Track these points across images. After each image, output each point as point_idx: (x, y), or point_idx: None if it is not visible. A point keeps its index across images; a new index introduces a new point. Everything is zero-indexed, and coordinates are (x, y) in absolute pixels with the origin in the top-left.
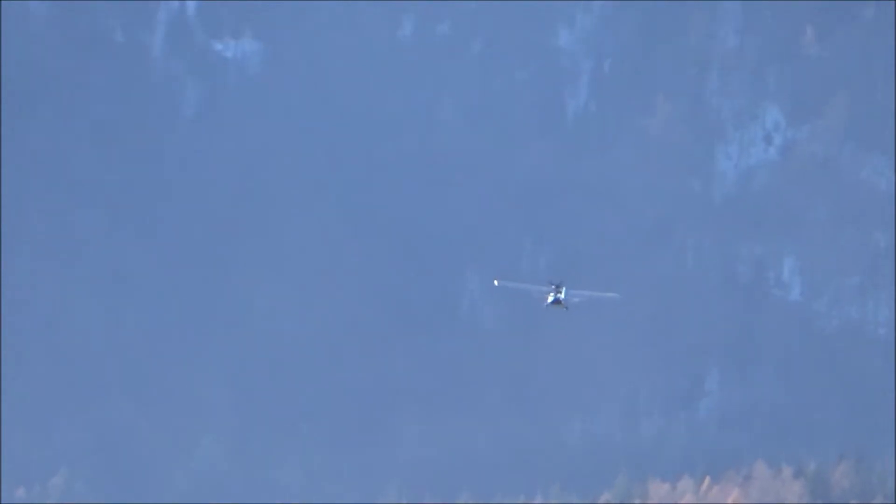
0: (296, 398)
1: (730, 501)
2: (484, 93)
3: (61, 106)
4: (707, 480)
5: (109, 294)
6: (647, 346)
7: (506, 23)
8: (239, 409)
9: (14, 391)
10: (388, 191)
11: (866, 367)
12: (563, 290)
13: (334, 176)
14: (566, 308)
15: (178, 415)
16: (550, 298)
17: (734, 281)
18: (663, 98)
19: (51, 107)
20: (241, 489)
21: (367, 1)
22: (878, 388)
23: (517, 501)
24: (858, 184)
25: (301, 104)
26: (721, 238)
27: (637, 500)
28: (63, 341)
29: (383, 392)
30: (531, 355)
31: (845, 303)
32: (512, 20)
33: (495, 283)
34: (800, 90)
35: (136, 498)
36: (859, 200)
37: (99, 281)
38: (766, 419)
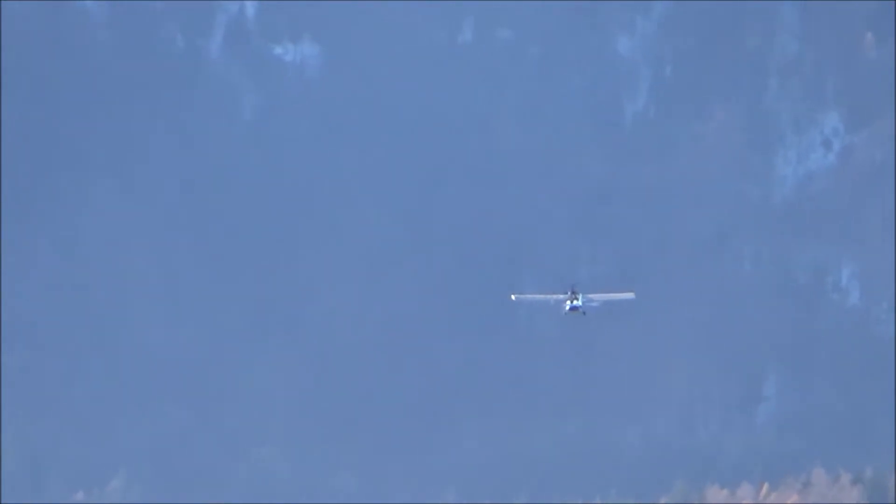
0: (354, 401)
1: None
2: (542, 97)
3: (119, 110)
4: (765, 487)
5: (168, 297)
6: (705, 351)
7: (565, 27)
8: (296, 412)
9: (72, 394)
10: (446, 195)
11: None
12: (580, 296)
13: (392, 180)
14: (584, 313)
15: (236, 419)
16: (568, 306)
17: (792, 286)
18: (722, 103)
19: (108, 110)
20: (298, 493)
21: (427, 2)
22: None
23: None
24: None
25: (359, 107)
26: (779, 243)
27: None
28: (121, 345)
29: (441, 395)
30: (589, 359)
31: None
32: (571, 25)
33: (512, 297)
34: (858, 95)
35: (193, 500)
36: None
37: (158, 285)
38: (824, 424)
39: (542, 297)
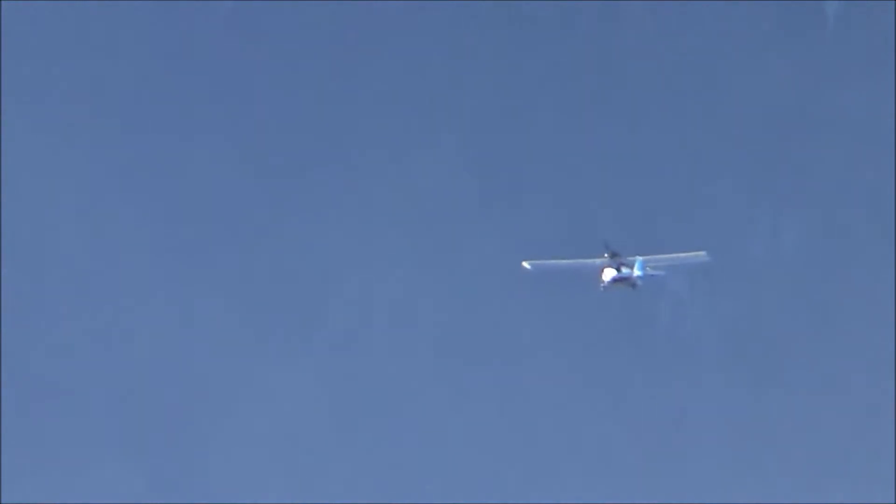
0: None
1: None
2: None
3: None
4: None
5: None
6: None
7: None
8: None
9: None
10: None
11: None
12: (637, 261)
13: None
14: (634, 286)
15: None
16: (608, 276)
17: None
18: None
19: (229, 109)
20: None
21: None
22: None
23: None
24: None
25: None
26: None
27: None
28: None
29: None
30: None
31: None
32: None
33: (525, 265)
34: None
35: None
36: None
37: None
38: None
39: (568, 262)
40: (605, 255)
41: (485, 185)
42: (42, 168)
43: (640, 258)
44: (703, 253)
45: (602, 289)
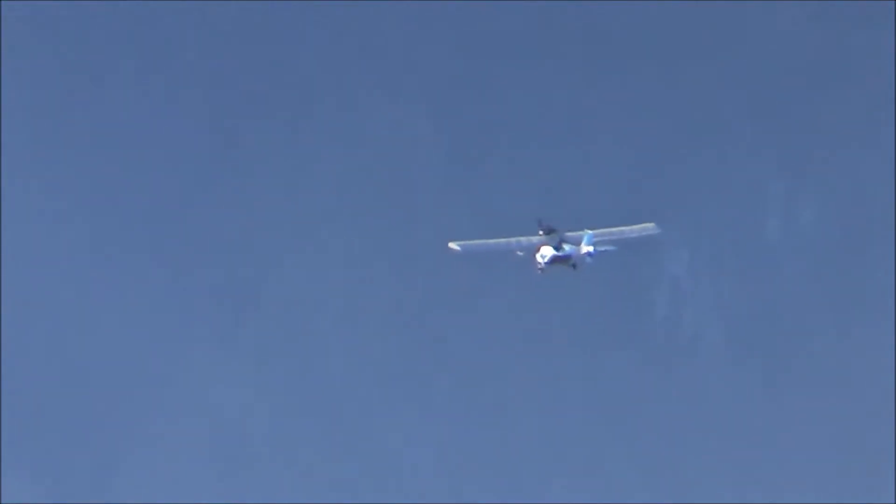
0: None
1: None
2: None
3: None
4: None
5: None
6: None
7: None
8: None
9: None
10: None
11: None
12: (586, 235)
13: None
14: (574, 266)
15: None
16: (546, 255)
17: None
18: None
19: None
20: None
21: None
22: None
23: None
24: None
25: None
26: None
27: None
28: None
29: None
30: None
31: None
32: None
33: (453, 247)
34: None
35: None
36: None
37: None
38: None
39: (500, 242)
40: (540, 231)
41: (452, 151)
42: None
43: (588, 231)
44: (651, 225)
45: (539, 271)
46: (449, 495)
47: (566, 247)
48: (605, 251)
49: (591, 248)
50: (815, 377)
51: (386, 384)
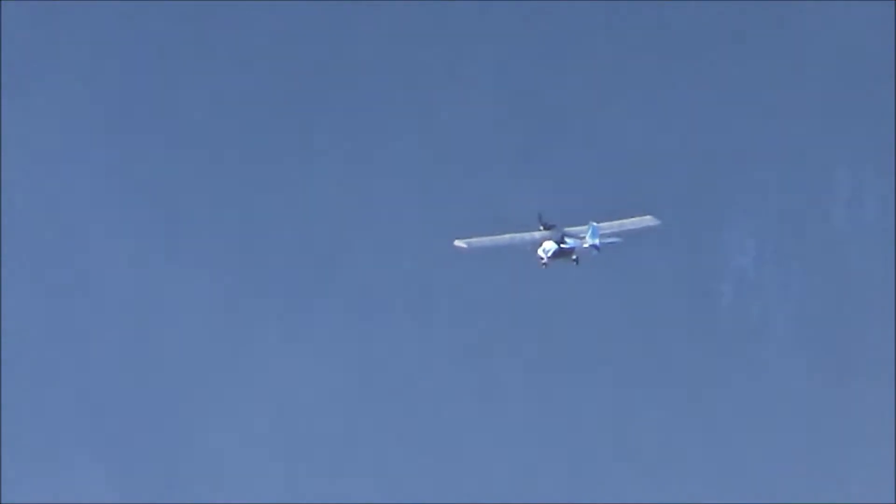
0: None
1: None
2: None
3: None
4: None
5: None
6: None
7: None
8: None
9: None
10: None
11: None
12: (591, 227)
13: None
14: (576, 260)
15: None
16: (549, 250)
17: None
18: None
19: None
20: None
21: None
22: None
23: None
24: None
25: None
26: None
27: None
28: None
29: None
30: None
31: None
32: None
33: (459, 244)
34: None
35: None
36: None
37: None
38: None
39: (505, 238)
40: (540, 227)
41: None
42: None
43: (593, 223)
44: (649, 217)
45: (542, 265)
46: (524, 494)
47: (569, 240)
48: (612, 243)
49: (596, 241)
50: (883, 366)
51: (456, 374)
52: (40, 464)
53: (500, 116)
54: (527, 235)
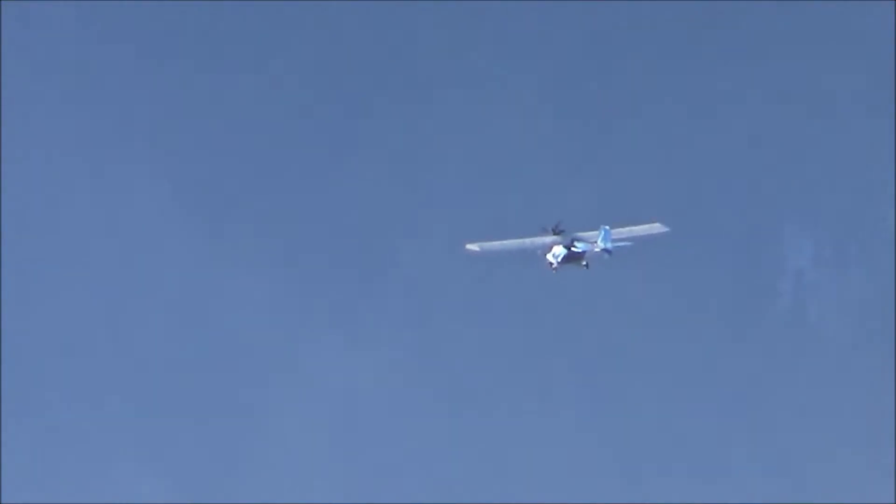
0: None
1: None
2: None
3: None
4: None
5: None
6: None
7: None
8: None
9: None
10: None
11: None
12: (602, 231)
13: None
14: (587, 265)
15: None
16: (559, 254)
17: None
18: None
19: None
20: None
21: None
22: None
23: None
24: None
25: None
26: None
27: None
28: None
29: None
30: None
31: None
32: None
33: (472, 248)
34: None
35: None
36: None
37: None
38: None
39: (516, 243)
40: (551, 232)
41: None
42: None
43: (605, 227)
44: (658, 224)
45: (552, 270)
46: (578, 492)
47: (579, 245)
48: (623, 246)
49: (608, 245)
50: None
51: (510, 375)
52: (42, 464)
53: (545, 117)
54: (537, 240)
